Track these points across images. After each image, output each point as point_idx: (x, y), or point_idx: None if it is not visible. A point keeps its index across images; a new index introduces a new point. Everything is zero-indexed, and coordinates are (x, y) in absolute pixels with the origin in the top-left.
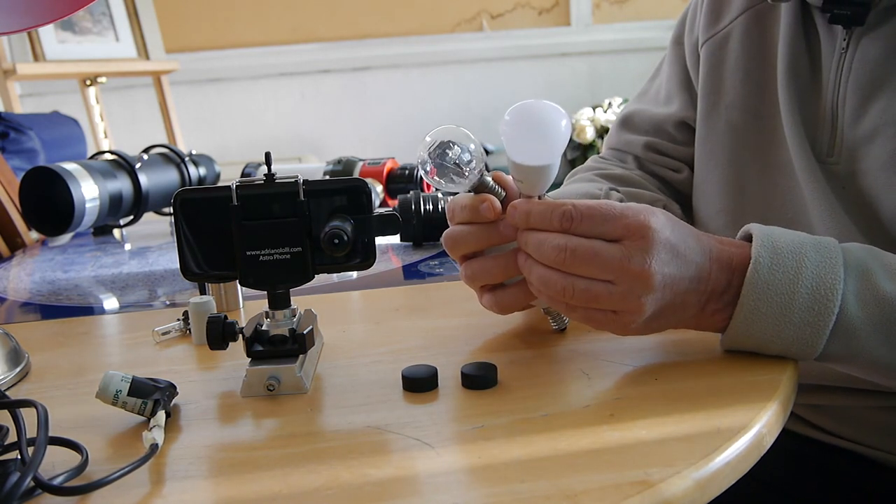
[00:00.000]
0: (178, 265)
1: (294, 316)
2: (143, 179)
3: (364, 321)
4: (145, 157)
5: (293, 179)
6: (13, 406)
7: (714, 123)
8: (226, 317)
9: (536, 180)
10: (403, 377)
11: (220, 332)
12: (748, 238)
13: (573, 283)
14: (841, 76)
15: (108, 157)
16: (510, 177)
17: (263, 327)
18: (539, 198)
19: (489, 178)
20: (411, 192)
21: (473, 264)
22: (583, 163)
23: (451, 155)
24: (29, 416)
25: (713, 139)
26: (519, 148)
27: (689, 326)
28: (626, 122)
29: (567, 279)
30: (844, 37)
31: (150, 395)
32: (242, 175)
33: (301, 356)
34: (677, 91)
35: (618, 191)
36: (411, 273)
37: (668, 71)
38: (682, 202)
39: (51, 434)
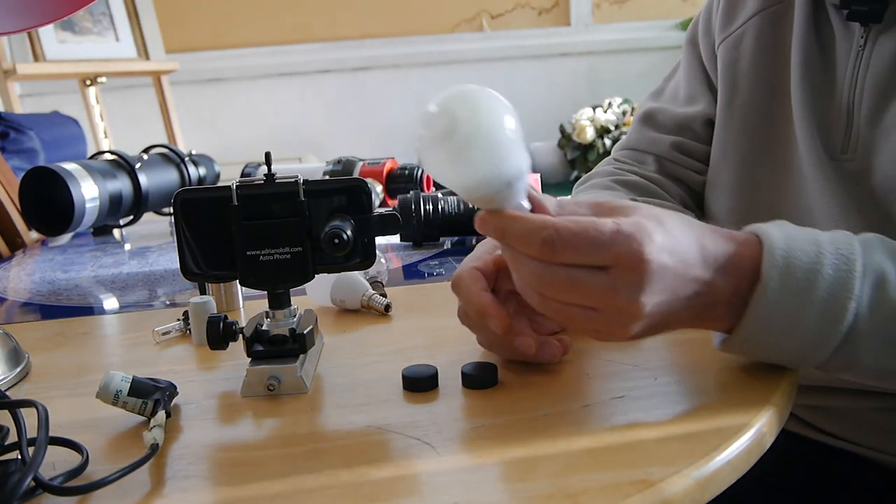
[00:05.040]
0: (178, 265)
1: (294, 316)
2: (143, 179)
3: (364, 321)
4: (145, 157)
5: (293, 179)
6: (13, 406)
7: (728, 122)
8: (226, 317)
9: (494, 202)
10: (404, 377)
11: (220, 332)
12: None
13: (548, 303)
14: (858, 74)
15: (108, 157)
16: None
17: (264, 327)
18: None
19: None
20: (411, 192)
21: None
22: (583, 163)
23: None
24: (29, 416)
25: (727, 138)
26: (451, 176)
27: (685, 328)
28: (649, 120)
29: (545, 299)
30: (862, 34)
31: (151, 395)
32: (242, 175)
33: (301, 356)
34: (701, 91)
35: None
36: (411, 273)
37: (684, 71)
38: (702, 206)
39: (51, 434)
